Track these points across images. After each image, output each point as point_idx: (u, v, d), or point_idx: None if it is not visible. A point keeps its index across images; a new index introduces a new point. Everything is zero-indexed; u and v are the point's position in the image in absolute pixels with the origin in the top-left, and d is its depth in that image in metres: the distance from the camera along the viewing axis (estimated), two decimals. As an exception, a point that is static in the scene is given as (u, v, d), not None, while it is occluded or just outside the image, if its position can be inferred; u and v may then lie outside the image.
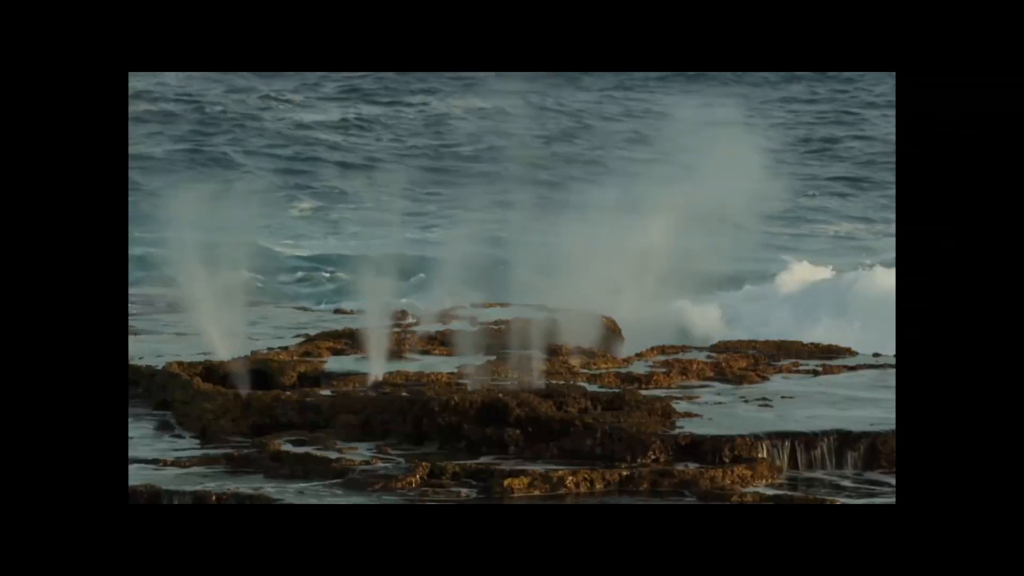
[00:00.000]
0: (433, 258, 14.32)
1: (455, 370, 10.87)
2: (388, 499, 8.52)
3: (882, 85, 27.13)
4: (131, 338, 11.13)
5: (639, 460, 9.28)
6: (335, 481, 8.95)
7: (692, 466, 9.09)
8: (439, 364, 11.10)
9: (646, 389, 10.93)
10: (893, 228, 13.91)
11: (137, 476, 8.92)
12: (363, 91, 21.74)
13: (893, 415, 9.44)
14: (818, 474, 9.25)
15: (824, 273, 18.24)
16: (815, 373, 11.51)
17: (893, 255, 13.51)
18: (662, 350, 12.33)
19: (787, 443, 9.40)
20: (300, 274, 16.38)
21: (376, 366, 10.95)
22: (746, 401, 10.57)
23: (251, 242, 11.48)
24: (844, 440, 9.43)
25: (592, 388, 10.50)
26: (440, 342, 11.74)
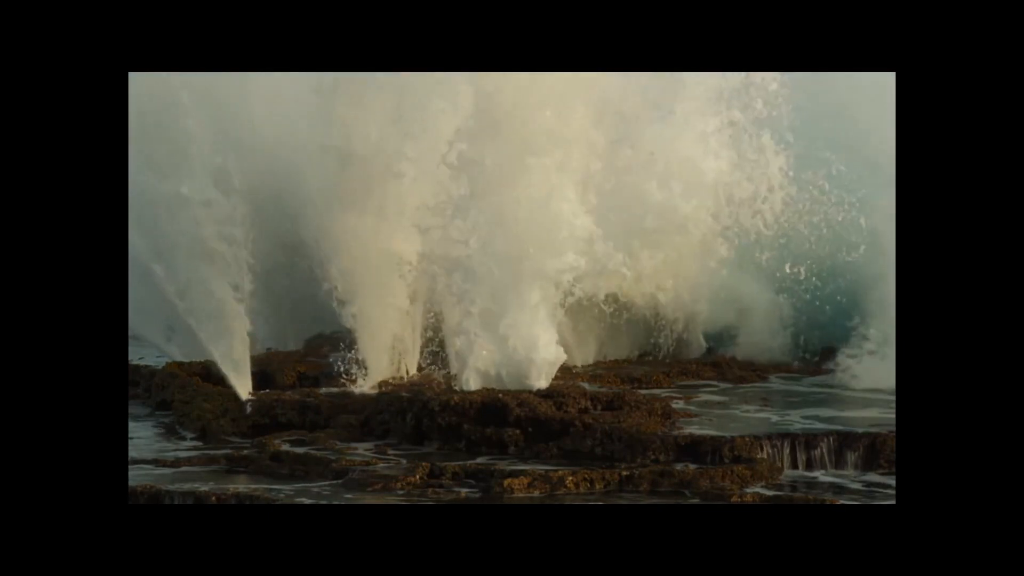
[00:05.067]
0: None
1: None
2: (388, 499, 8.52)
3: None
4: (131, 338, 11.12)
5: (639, 460, 9.28)
6: (335, 481, 8.95)
7: (692, 466, 9.09)
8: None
9: (646, 389, 10.94)
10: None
11: (137, 476, 8.92)
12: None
13: (893, 415, 9.45)
14: (818, 474, 9.26)
15: None
16: (813, 373, 11.52)
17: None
18: (662, 350, 12.35)
19: (787, 443, 9.40)
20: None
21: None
22: (746, 401, 10.58)
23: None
24: (844, 440, 9.43)
25: (592, 388, 10.51)
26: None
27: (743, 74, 12.08)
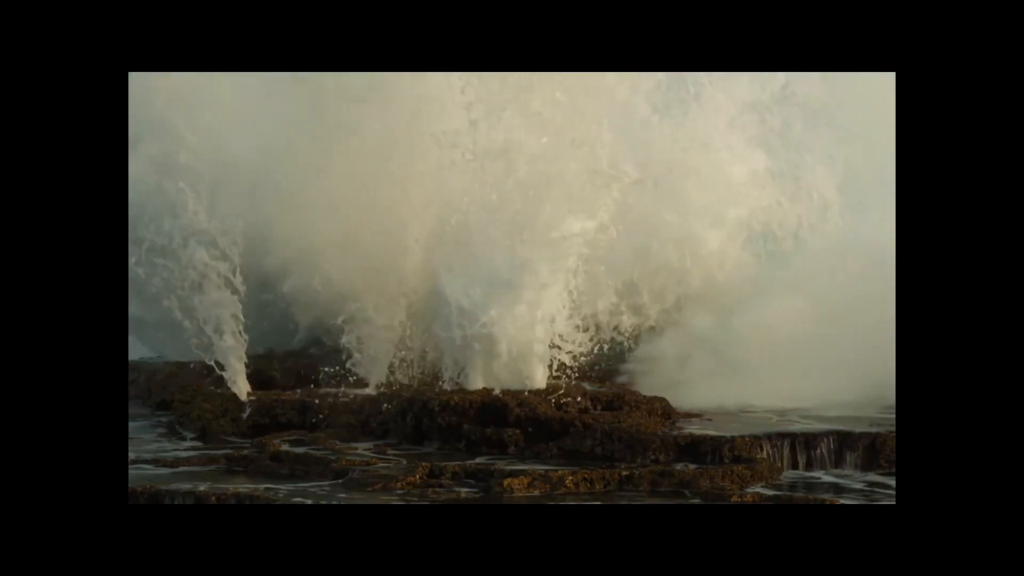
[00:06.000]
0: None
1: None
2: (388, 499, 8.51)
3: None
4: (131, 338, 11.12)
5: (639, 460, 9.27)
6: (335, 481, 8.95)
7: (692, 466, 9.09)
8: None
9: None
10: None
11: (137, 476, 8.92)
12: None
13: (893, 415, 9.45)
14: (818, 474, 9.25)
15: None
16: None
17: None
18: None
19: (787, 443, 9.40)
20: None
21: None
22: (746, 401, 10.58)
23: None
24: (844, 440, 9.43)
25: (592, 388, 10.49)
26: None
27: (780, 85, 11.01)
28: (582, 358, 10.30)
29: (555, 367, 10.26)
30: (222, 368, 10.59)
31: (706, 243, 11.15)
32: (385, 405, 10.08)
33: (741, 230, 11.22)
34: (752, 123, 11.38)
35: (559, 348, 10.29)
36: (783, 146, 11.32)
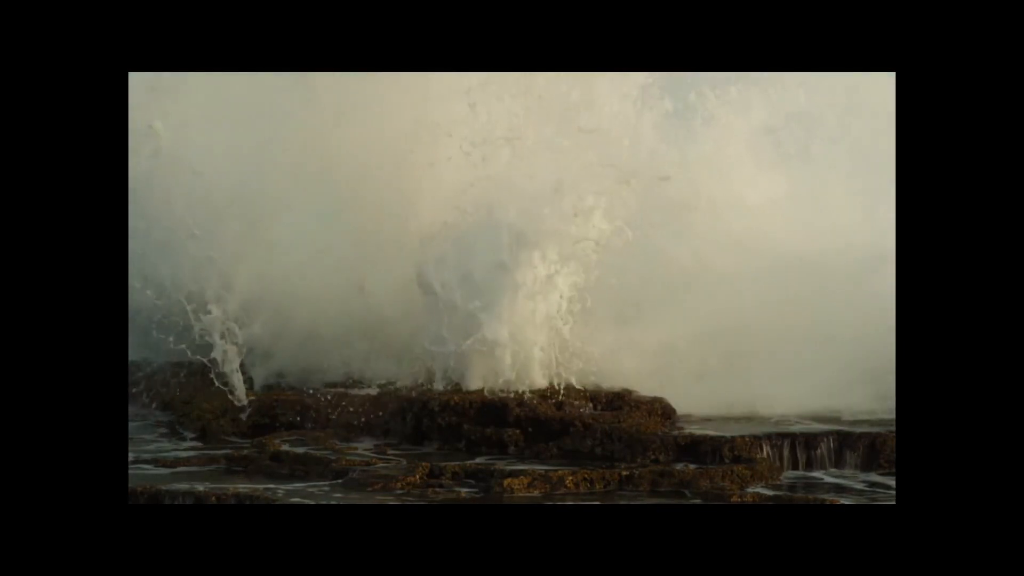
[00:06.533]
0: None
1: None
2: (388, 499, 8.51)
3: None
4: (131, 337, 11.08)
5: (639, 460, 9.27)
6: (335, 481, 8.95)
7: (692, 466, 9.09)
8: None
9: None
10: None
11: (137, 476, 8.91)
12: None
13: (893, 415, 9.44)
14: (819, 474, 9.25)
15: None
16: None
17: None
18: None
19: (787, 443, 9.40)
20: None
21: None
22: (746, 401, 10.57)
23: None
24: (844, 440, 9.43)
25: (592, 388, 10.48)
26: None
27: (798, 109, 10.73)
28: (592, 365, 10.24)
29: (555, 374, 10.23)
30: (210, 352, 10.43)
31: (717, 270, 10.77)
32: (380, 413, 10.06)
33: (755, 255, 10.80)
34: (766, 147, 11.16)
35: (560, 353, 10.25)
36: (800, 169, 11.04)
